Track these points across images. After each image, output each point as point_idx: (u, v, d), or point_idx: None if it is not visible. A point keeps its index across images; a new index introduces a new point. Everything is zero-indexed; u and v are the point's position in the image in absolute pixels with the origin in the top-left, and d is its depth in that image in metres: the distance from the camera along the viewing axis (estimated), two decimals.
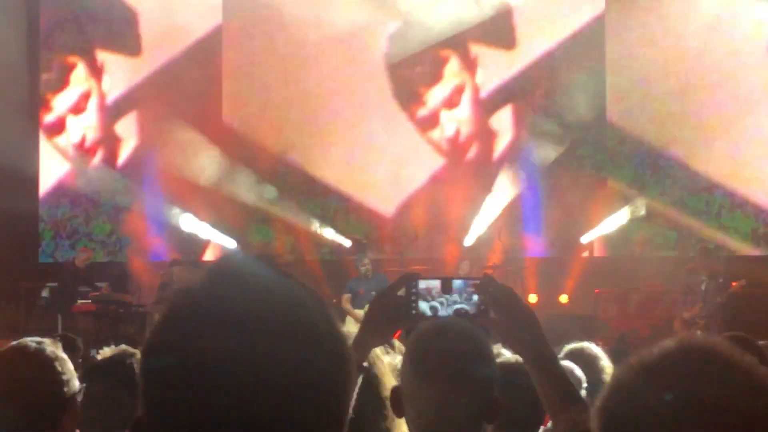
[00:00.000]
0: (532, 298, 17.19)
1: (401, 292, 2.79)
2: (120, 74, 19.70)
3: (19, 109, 18.38)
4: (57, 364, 3.26)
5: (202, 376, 1.29)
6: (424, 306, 2.77)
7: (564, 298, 17.46)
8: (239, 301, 1.34)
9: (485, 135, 18.84)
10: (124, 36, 19.67)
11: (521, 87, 18.68)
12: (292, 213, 18.85)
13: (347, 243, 18.35)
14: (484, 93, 18.86)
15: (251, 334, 1.31)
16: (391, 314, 2.77)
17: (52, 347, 3.35)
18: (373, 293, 13.05)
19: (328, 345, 1.36)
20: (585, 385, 4.80)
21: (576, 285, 17.58)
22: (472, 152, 18.95)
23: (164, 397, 1.32)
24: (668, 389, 1.58)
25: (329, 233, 18.71)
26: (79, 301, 16.32)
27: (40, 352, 3.26)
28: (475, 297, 2.78)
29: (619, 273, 17.38)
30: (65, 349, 6.23)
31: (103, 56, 19.77)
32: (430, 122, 18.96)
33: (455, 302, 2.79)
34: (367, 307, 14.40)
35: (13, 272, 17.79)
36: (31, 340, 3.39)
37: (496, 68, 18.79)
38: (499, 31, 18.66)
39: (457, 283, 2.82)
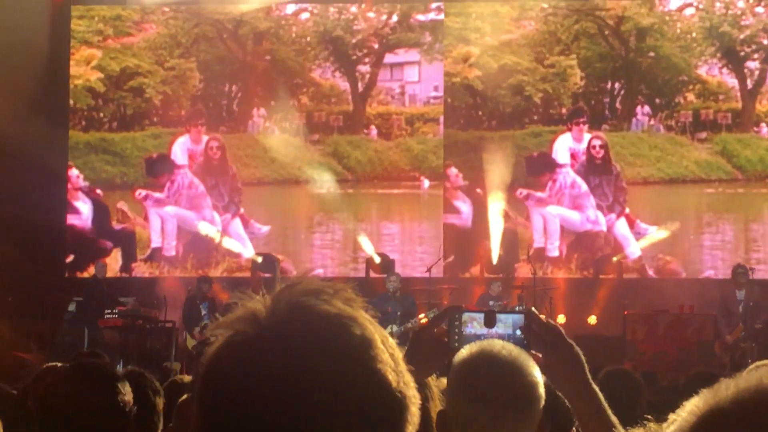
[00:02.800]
0: (561, 319, 17.09)
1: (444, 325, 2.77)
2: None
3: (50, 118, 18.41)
4: (119, 384, 3.19)
5: (258, 410, 1.29)
6: (467, 339, 2.74)
7: (592, 320, 17.36)
8: (300, 338, 1.33)
9: None
10: None
11: None
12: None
13: (377, 259, 18.25)
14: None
15: (312, 373, 1.30)
16: (435, 347, 2.73)
17: (112, 367, 3.29)
18: (399, 313, 13.01)
19: (387, 388, 1.35)
20: None
21: (605, 306, 17.49)
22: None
23: (219, 426, 1.33)
24: None
25: (368, 247, 18.65)
26: (106, 316, 16.33)
27: (103, 372, 3.19)
28: (519, 332, 2.75)
29: (648, 294, 17.26)
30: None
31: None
32: None
33: (498, 336, 2.75)
34: (392, 328, 14.37)
35: (40, 286, 17.82)
36: (90, 360, 3.33)
37: None
38: None
39: (500, 317, 2.78)
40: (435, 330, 2.76)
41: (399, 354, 1.40)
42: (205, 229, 19.14)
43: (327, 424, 1.29)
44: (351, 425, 1.30)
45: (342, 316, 1.36)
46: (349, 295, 1.39)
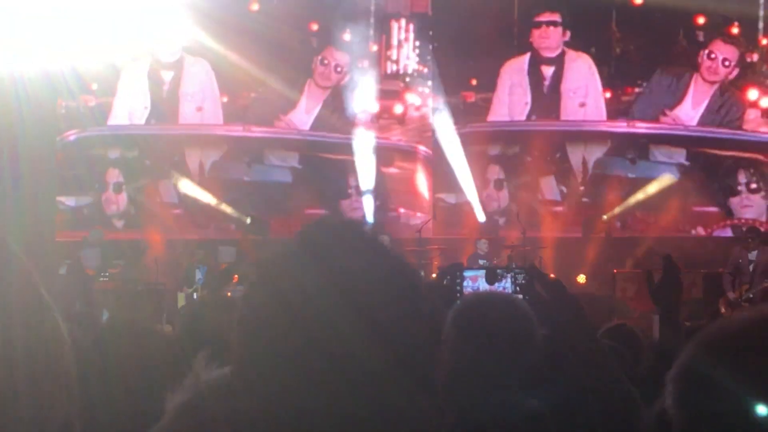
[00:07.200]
0: None
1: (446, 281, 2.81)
2: None
3: None
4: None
5: (300, 328, 1.35)
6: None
7: (582, 278, 17.37)
8: (339, 259, 1.40)
9: None
10: None
11: None
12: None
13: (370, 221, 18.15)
14: None
15: (348, 290, 1.36)
16: (438, 302, 2.76)
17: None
18: None
19: (418, 304, 1.41)
20: None
21: (594, 265, 17.51)
22: None
23: (259, 347, 1.39)
24: (747, 364, 1.49)
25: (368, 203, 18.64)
26: (100, 279, 16.30)
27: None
28: (519, 288, 2.79)
29: (638, 253, 17.28)
30: (80, 326, 6.18)
31: None
32: None
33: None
34: None
35: (31, 249, 17.67)
36: None
37: None
38: None
39: (501, 273, 2.83)
40: (438, 286, 2.80)
41: (422, 279, 1.49)
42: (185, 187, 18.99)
43: (361, 343, 1.34)
44: (392, 307, 1.37)
45: (370, 245, 1.46)
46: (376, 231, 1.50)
